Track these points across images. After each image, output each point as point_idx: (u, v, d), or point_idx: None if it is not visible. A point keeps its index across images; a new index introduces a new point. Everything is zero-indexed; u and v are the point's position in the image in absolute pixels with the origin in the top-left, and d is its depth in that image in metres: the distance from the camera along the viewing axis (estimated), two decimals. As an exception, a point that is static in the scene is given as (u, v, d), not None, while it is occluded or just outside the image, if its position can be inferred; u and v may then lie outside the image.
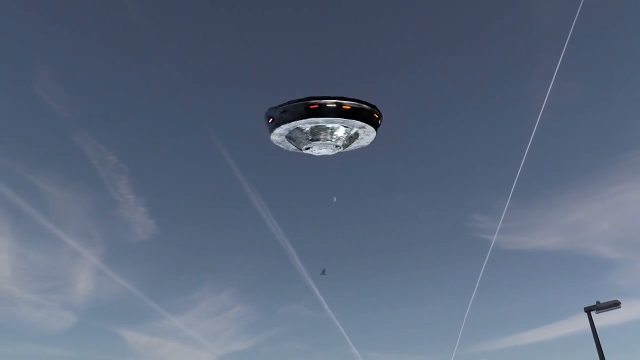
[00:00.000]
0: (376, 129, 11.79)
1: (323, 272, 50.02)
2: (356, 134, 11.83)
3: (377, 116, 11.54)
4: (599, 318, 18.16)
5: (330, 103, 10.75)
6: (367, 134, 11.95)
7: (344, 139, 11.79)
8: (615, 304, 17.20)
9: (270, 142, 13.80)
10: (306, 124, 11.35)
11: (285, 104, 11.11)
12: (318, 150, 12.16)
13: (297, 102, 10.86)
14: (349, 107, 10.87)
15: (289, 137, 11.98)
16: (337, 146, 11.95)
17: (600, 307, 17.44)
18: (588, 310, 17.80)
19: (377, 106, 11.46)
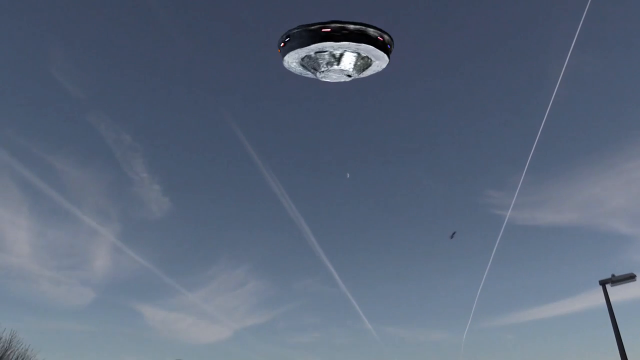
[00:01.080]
0: (387, 54, 11.91)
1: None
2: (367, 59, 11.93)
3: (382, 39, 11.64)
4: (614, 293, 18.29)
5: (341, 26, 11.00)
6: (378, 59, 12.06)
7: (355, 63, 11.92)
8: (631, 277, 17.32)
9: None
10: (317, 49, 11.51)
11: (295, 29, 11.30)
12: (331, 75, 12.32)
13: (308, 27, 11.11)
14: (356, 30, 11.06)
15: (302, 64, 12.14)
16: (350, 71, 12.09)
17: (615, 280, 17.57)
18: (603, 283, 17.92)
19: (385, 30, 11.57)
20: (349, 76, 12.58)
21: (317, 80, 13.33)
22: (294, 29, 11.59)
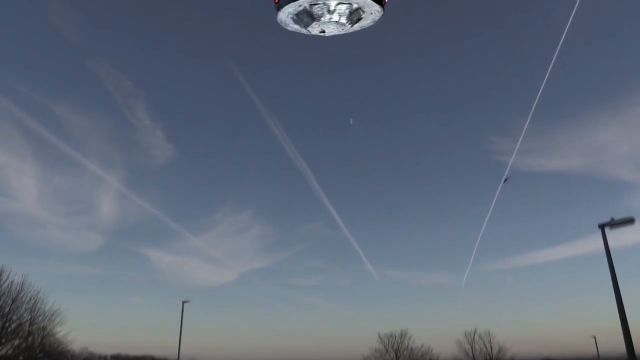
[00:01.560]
0: (381, 5, 11.57)
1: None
2: (361, 11, 11.66)
3: None
4: (614, 239, 18.19)
5: None
6: (372, 10, 11.75)
7: (348, 15, 11.67)
8: (630, 221, 17.19)
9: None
10: (312, 1, 11.26)
11: None
12: (326, 28, 12.07)
13: None
14: None
15: (296, 18, 11.87)
16: (344, 24, 11.85)
17: (614, 224, 17.46)
18: (602, 226, 17.81)
19: None
20: (342, 28, 12.18)
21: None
22: None
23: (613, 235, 18.13)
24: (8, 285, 42.25)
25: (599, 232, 18.17)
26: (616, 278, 18.14)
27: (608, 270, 18.17)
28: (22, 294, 43.27)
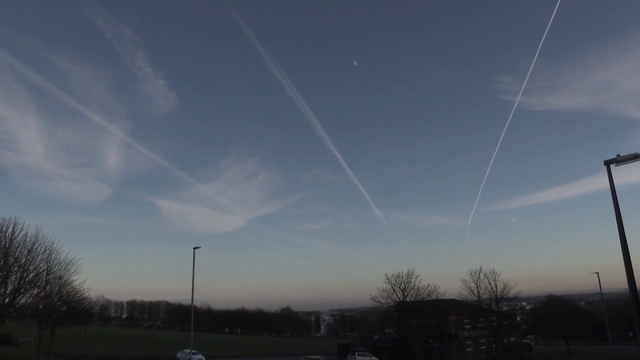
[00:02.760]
0: None
1: None
2: None
3: None
4: (620, 176, 18.07)
5: None
6: None
7: None
8: (636, 157, 16.93)
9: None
10: None
11: None
12: None
13: None
14: None
15: None
16: None
17: (620, 160, 17.24)
18: (607, 163, 17.60)
19: None
20: None
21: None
22: None
23: (618, 173, 18.06)
24: (23, 236, 43.19)
25: (604, 170, 17.95)
26: (620, 215, 18.16)
27: (612, 207, 18.15)
28: (36, 245, 44.22)
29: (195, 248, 46.85)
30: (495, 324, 79.59)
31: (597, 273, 71.47)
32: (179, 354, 68.62)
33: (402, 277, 73.85)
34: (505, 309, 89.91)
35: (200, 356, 65.65)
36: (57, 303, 55.01)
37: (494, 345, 78.54)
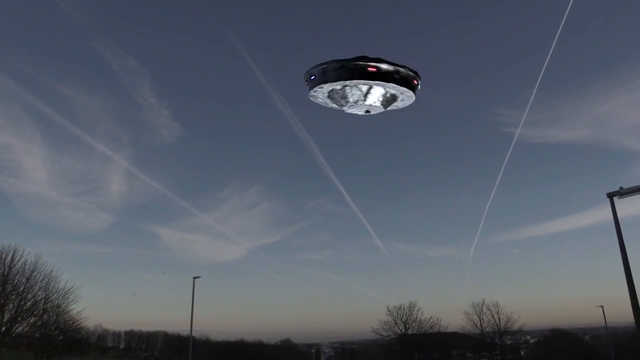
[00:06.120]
0: (414, 93, 11.42)
1: None
2: (394, 97, 11.47)
3: (417, 83, 11.24)
4: (622, 208, 17.95)
5: (380, 67, 10.44)
6: (405, 98, 11.60)
7: (382, 100, 11.45)
8: (639, 190, 16.91)
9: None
10: (346, 85, 10.97)
11: (331, 63, 10.73)
12: (357, 108, 11.89)
13: (349, 62, 10.47)
14: (394, 71, 10.57)
15: (330, 96, 11.61)
16: (375, 106, 11.64)
17: (623, 193, 17.23)
18: (611, 195, 17.60)
19: (417, 72, 11.11)
20: (370, 111, 12.11)
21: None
22: (329, 63, 10.86)
23: (621, 206, 17.91)
24: (22, 264, 42.93)
25: (607, 202, 17.91)
26: (624, 248, 18.02)
27: (615, 240, 18.03)
28: (35, 273, 43.91)
29: (195, 277, 46.43)
30: (499, 358, 78.07)
31: (602, 306, 70.50)
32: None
33: (403, 309, 72.91)
34: (509, 342, 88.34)
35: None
36: (54, 332, 54.23)
37: (498, 381, 76.86)
